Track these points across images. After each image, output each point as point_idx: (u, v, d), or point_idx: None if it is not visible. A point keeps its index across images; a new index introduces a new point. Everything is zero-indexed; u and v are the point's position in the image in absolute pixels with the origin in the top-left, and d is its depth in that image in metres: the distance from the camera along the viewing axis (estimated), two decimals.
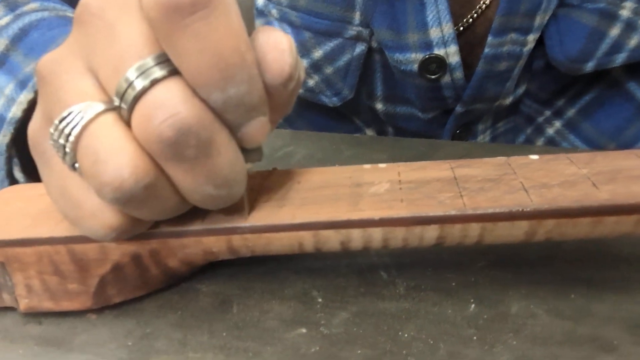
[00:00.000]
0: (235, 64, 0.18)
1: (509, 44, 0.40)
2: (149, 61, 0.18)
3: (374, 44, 0.42)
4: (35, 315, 0.24)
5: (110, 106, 0.19)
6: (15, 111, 0.31)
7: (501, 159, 0.24)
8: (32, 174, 0.33)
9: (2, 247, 0.23)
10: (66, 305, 0.24)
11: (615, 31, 0.39)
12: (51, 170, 0.21)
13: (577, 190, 0.21)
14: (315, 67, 0.44)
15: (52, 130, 0.19)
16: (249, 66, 0.18)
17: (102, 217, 0.20)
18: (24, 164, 0.33)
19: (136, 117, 0.18)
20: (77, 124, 0.19)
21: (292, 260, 0.26)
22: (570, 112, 0.45)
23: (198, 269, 0.25)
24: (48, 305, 0.24)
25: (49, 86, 0.20)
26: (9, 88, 0.32)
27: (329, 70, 0.44)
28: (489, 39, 0.39)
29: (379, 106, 0.46)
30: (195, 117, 0.18)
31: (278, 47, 0.19)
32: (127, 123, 0.19)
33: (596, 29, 0.39)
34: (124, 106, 0.18)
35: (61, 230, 0.23)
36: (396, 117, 0.47)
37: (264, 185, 0.25)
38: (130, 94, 0.18)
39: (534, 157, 0.24)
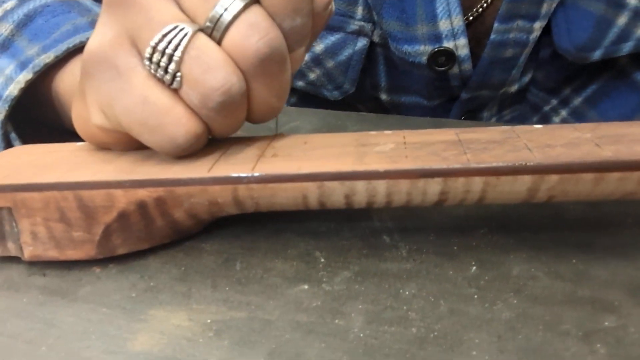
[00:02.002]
0: None
1: (516, 31, 0.40)
2: None
3: (376, 39, 0.43)
4: (40, 268, 0.25)
5: (198, 28, 0.22)
6: (12, 90, 0.32)
7: (505, 127, 0.25)
8: None
9: (10, 192, 0.23)
10: (70, 254, 0.24)
11: (622, 19, 0.39)
12: (128, 82, 0.22)
13: (580, 150, 0.21)
14: (317, 61, 0.44)
15: (154, 42, 0.21)
16: (311, 2, 0.22)
17: (187, 123, 0.22)
18: (23, 140, 0.33)
19: (233, 36, 0.21)
20: (185, 36, 0.21)
21: (295, 222, 0.26)
22: (577, 101, 0.45)
23: (202, 227, 0.25)
24: (52, 253, 0.24)
25: (135, 6, 0.22)
26: (10, 68, 0.33)
27: (330, 64, 0.44)
28: (496, 25, 0.39)
29: (384, 96, 0.46)
30: (280, 38, 0.22)
31: None
32: (217, 43, 0.22)
33: (603, 17, 0.39)
34: (217, 28, 0.21)
35: (69, 177, 0.23)
36: (401, 107, 0.47)
37: (270, 144, 0.25)
38: (227, 17, 0.21)
39: (538, 126, 0.25)
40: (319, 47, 0.44)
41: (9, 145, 0.32)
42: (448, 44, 0.40)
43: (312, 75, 0.46)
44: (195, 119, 0.23)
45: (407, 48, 0.41)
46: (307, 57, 0.45)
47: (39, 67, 0.32)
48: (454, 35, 0.39)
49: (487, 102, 0.45)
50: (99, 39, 0.23)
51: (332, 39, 0.43)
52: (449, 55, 0.40)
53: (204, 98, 0.22)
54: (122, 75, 0.22)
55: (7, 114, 0.32)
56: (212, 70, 0.21)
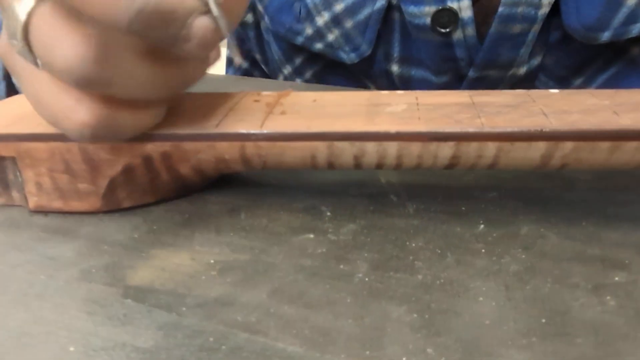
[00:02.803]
0: None
1: (524, 5, 0.40)
2: None
3: (393, 0, 0.43)
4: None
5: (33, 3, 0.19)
6: None
7: (520, 91, 0.24)
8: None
9: (15, 142, 0.23)
10: (75, 205, 0.24)
11: (632, 0, 0.39)
12: (24, 79, 0.21)
13: (597, 117, 0.21)
14: (336, 21, 0.45)
15: (8, 37, 0.19)
16: None
17: (74, 114, 0.20)
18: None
19: None
20: (21, 21, 0.18)
21: (302, 180, 0.26)
22: None
23: (208, 182, 0.25)
24: (57, 204, 0.24)
25: None
26: None
27: (349, 24, 0.45)
28: None
29: (395, 68, 0.47)
30: None
31: None
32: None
33: None
34: None
35: None
36: (410, 82, 0.47)
37: (279, 101, 0.25)
38: None
39: (555, 90, 0.24)
40: (339, 6, 0.45)
41: (10, 84, 0.32)
42: (452, 4, 0.40)
43: (330, 37, 0.46)
44: (82, 108, 0.20)
45: (413, 9, 0.41)
46: (327, 16, 0.45)
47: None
48: None
49: (495, 84, 0.45)
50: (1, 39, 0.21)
51: None
52: (453, 17, 0.41)
53: (71, 82, 0.19)
54: (19, 74, 0.21)
55: None
56: (51, 53, 0.18)
